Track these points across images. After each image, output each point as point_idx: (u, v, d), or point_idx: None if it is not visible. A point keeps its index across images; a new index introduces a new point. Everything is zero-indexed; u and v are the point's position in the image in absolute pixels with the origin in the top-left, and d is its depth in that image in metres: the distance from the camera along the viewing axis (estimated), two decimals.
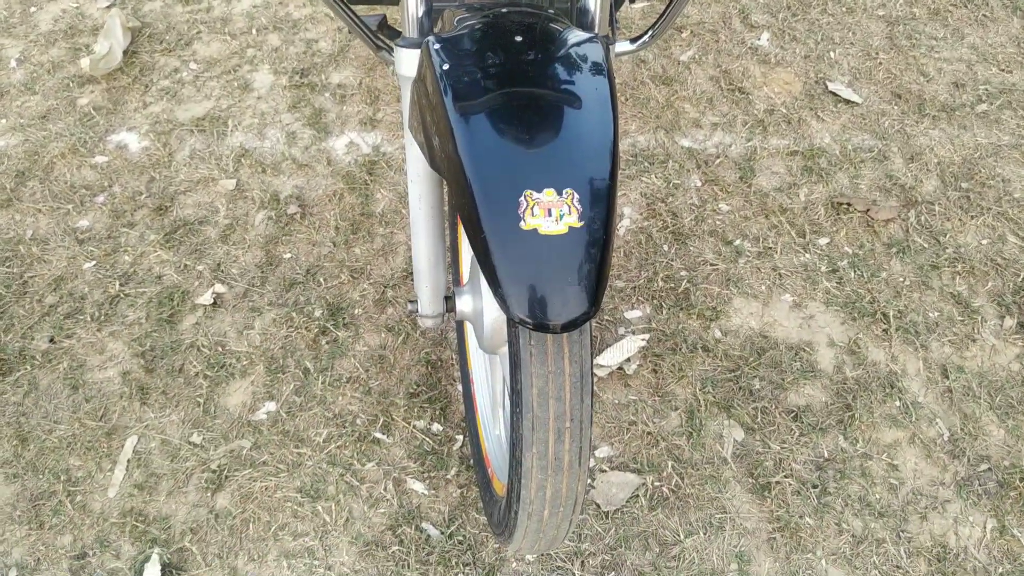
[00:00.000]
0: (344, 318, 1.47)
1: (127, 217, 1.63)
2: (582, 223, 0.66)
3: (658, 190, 1.67)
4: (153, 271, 1.54)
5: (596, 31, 0.87)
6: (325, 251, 1.57)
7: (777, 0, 2.10)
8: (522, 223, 0.66)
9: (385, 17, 1.04)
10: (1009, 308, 1.46)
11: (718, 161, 1.72)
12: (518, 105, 0.72)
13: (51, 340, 1.43)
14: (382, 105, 1.86)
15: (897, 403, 1.34)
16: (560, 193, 0.67)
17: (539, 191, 0.66)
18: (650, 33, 0.93)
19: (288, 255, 1.57)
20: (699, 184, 1.68)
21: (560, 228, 0.66)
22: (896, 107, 1.83)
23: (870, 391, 1.35)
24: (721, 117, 1.81)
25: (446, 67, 0.75)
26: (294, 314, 1.47)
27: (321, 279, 1.52)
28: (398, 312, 1.48)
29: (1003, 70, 1.91)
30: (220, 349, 1.42)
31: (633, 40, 0.94)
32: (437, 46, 0.78)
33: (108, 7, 2.11)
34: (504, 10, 0.83)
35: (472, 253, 0.82)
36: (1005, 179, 1.68)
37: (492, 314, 0.96)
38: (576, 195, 0.67)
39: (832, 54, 1.96)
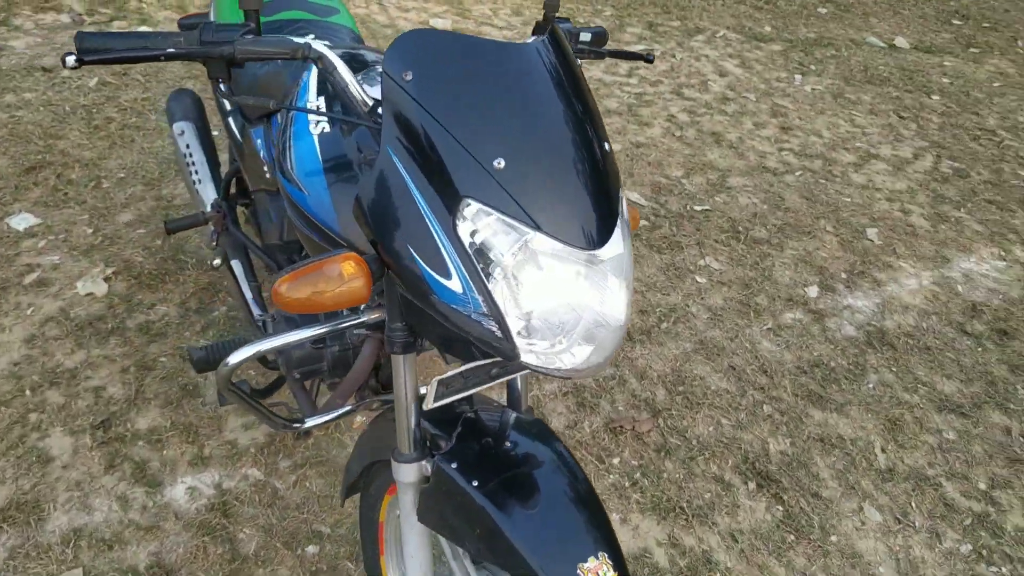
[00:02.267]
0: None
1: None
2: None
3: None
4: None
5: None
6: None
7: None
8: None
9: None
10: (746, 475, 2.05)
11: None
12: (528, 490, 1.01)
13: None
14: (204, 439, 1.91)
15: (717, 574, 1.79)
16: (597, 557, 0.96)
17: (586, 560, 0.95)
18: None
19: None
20: None
21: None
22: None
23: (696, 573, 1.79)
24: None
25: (475, 483, 1.00)
26: None
27: None
28: None
29: (665, 295, 2.69)
30: None
31: None
32: (453, 465, 1.03)
33: None
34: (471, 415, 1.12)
35: None
36: (701, 376, 2.36)
37: None
38: (607, 556, 0.96)
39: None
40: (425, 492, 1.07)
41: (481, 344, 0.86)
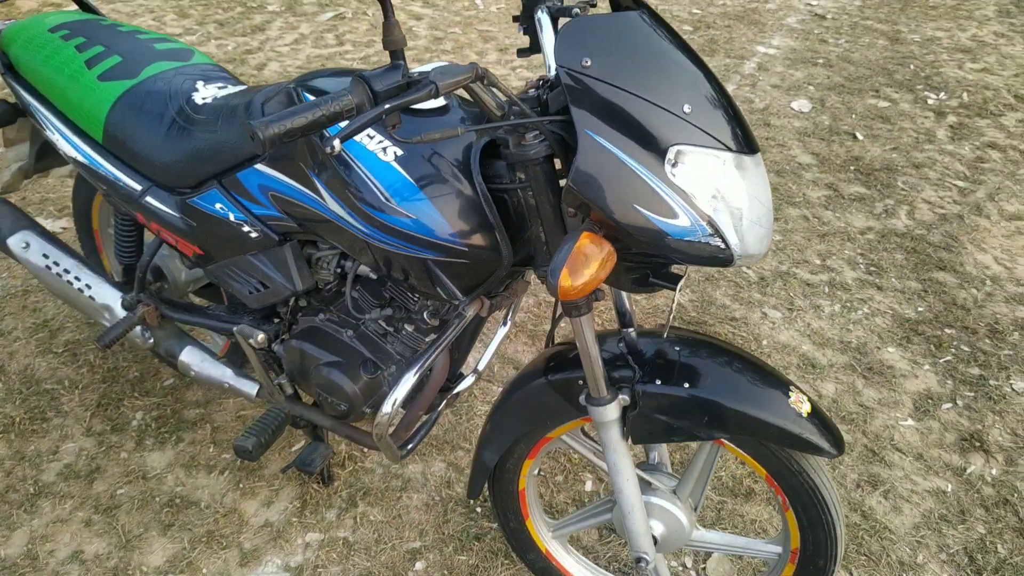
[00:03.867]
0: None
1: None
2: None
3: None
4: None
5: None
6: None
7: None
8: None
9: None
10: None
11: None
12: None
13: None
14: (234, 538, 1.77)
15: None
16: (792, 393, 1.22)
17: (789, 397, 1.20)
18: None
19: None
20: None
21: None
22: None
23: None
24: None
25: (685, 385, 1.19)
26: None
27: None
28: None
29: None
30: None
31: None
32: (657, 381, 1.20)
33: None
34: None
35: None
36: None
37: None
38: (798, 390, 1.22)
39: None
40: (636, 417, 1.23)
41: (703, 262, 1.03)
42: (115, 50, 1.59)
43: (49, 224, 2.72)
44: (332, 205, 1.25)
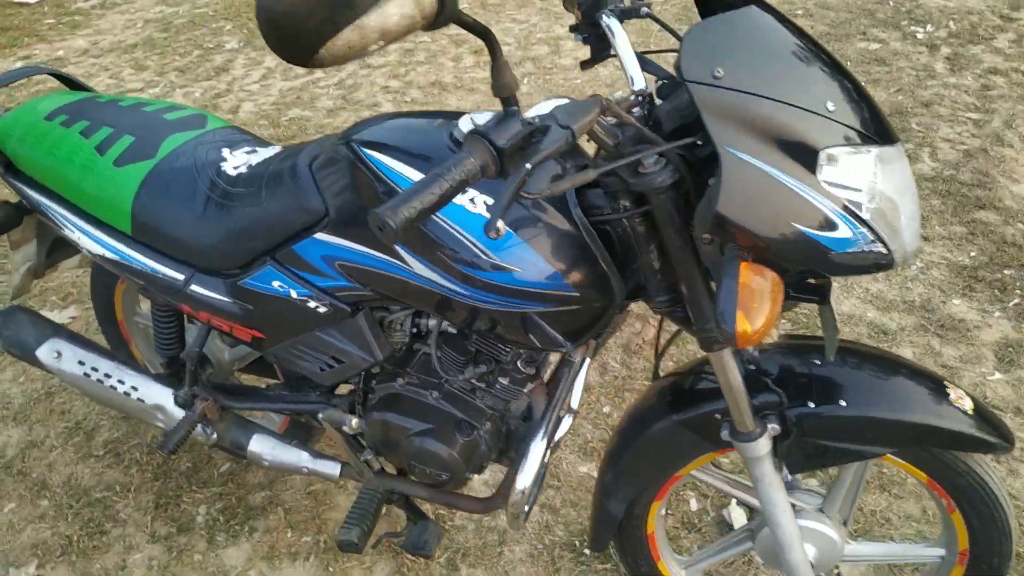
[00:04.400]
0: None
1: None
2: None
3: None
4: None
5: None
6: None
7: None
8: None
9: None
10: None
11: None
12: None
13: None
14: None
15: None
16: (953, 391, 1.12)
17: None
18: None
19: None
20: None
21: None
22: None
23: None
24: None
25: (842, 403, 1.08)
26: None
27: None
28: None
29: None
30: None
31: None
32: (810, 404, 1.09)
33: None
34: None
35: None
36: None
37: None
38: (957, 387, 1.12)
39: None
40: (791, 445, 1.12)
41: (863, 271, 0.93)
42: (124, 129, 1.44)
43: (56, 316, 2.55)
44: (419, 269, 1.12)
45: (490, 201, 1.06)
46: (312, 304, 1.29)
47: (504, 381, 1.33)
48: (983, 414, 1.11)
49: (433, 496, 1.50)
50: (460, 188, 0.77)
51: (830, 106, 0.87)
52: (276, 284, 1.30)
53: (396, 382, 1.40)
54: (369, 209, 0.72)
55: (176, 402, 1.60)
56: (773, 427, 1.13)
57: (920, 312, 2.28)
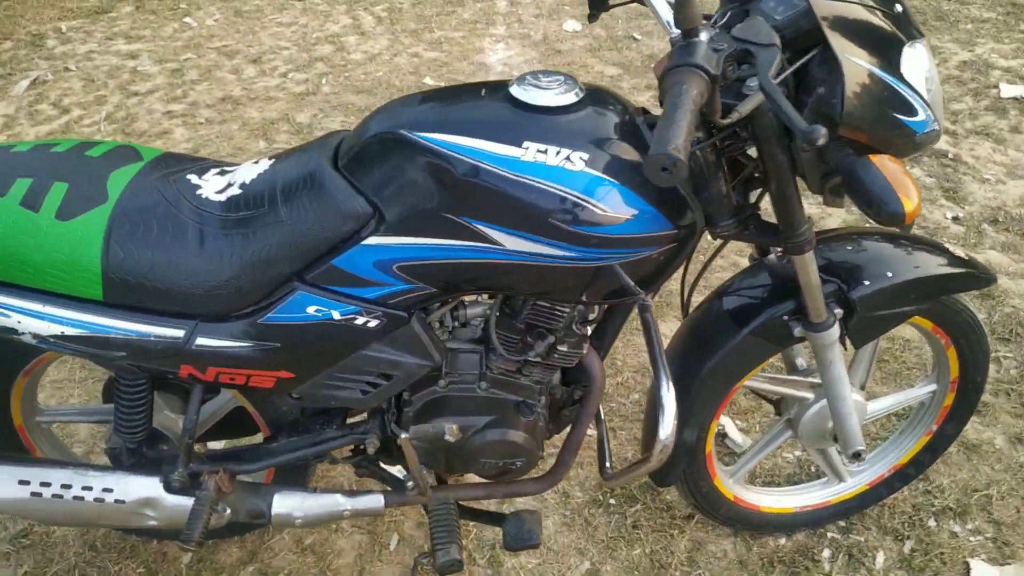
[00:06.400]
0: None
1: None
2: None
3: None
4: None
5: None
6: None
7: None
8: None
9: None
10: None
11: None
12: None
13: None
14: None
15: None
16: None
17: None
18: None
19: None
20: None
21: None
22: None
23: None
24: None
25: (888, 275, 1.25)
26: None
27: None
28: None
29: None
30: None
31: None
32: (866, 282, 1.24)
33: None
34: None
35: None
36: None
37: None
38: None
39: None
40: (857, 323, 1.26)
41: (925, 148, 1.08)
42: (47, 176, 1.15)
43: None
44: (516, 244, 1.07)
45: (586, 156, 1.03)
46: (360, 320, 1.16)
47: (563, 348, 1.31)
48: (972, 259, 1.34)
49: (491, 492, 1.44)
50: (696, 115, 0.77)
51: (898, 8, 1.00)
52: (312, 310, 1.15)
53: (437, 385, 1.31)
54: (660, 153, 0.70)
55: (169, 488, 1.34)
56: (837, 311, 1.25)
57: None
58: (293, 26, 4.32)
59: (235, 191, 1.17)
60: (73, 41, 4.25)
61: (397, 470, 1.50)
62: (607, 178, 1.03)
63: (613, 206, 1.04)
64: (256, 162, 1.23)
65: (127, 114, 3.55)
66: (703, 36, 0.88)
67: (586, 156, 1.03)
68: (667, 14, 1.12)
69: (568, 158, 1.03)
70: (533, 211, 1.04)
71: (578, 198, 1.03)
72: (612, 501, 1.79)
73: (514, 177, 1.03)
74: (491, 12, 4.33)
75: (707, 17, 1.14)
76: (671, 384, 1.11)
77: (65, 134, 3.41)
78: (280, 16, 4.46)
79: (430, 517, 1.40)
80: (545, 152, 1.03)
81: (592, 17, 1.29)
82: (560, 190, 1.03)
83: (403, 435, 1.26)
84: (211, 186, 1.19)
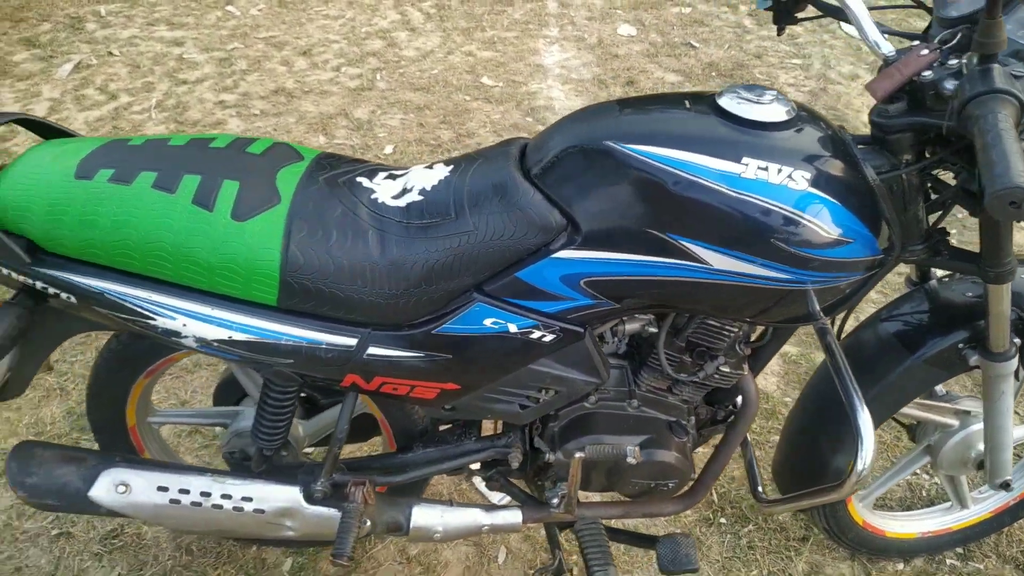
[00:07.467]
0: None
1: None
2: None
3: None
4: None
5: None
6: None
7: None
8: None
9: None
10: None
11: None
12: None
13: None
14: None
15: None
16: None
17: None
18: None
19: None
20: None
21: None
22: None
23: None
24: None
25: None
26: None
27: None
28: None
29: None
30: None
31: None
32: None
33: None
34: None
35: None
36: None
37: None
38: None
39: None
40: None
41: None
42: (216, 174, 1.09)
43: None
44: (723, 263, 1.02)
45: (808, 174, 0.99)
46: (536, 334, 1.12)
47: (725, 369, 1.27)
48: None
49: (629, 511, 1.40)
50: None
51: None
52: (489, 322, 1.11)
53: (587, 402, 1.28)
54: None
55: (311, 499, 1.29)
56: (1015, 340, 1.22)
57: None
58: (340, 19, 4.26)
59: (415, 197, 1.12)
60: (114, 25, 4.16)
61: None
62: (831, 199, 0.99)
63: (837, 228, 1.00)
64: (430, 167, 1.18)
65: (178, 102, 3.48)
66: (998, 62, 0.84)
67: (807, 175, 0.99)
68: (874, 34, 1.09)
69: (791, 176, 0.99)
70: (751, 230, 0.99)
71: (804, 219, 0.99)
72: (723, 520, 1.75)
73: (733, 194, 0.99)
74: (542, 13, 4.29)
75: (919, 37, 1.11)
76: (865, 409, 1.07)
77: (115, 121, 3.34)
78: (326, 8, 4.39)
79: (579, 536, 1.35)
80: (766, 169, 0.99)
81: (780, 31, 1.26)
82: (784, 209, 0.99)
83: (579, 454, 1.22)
84: (385, 190, 1.14)
